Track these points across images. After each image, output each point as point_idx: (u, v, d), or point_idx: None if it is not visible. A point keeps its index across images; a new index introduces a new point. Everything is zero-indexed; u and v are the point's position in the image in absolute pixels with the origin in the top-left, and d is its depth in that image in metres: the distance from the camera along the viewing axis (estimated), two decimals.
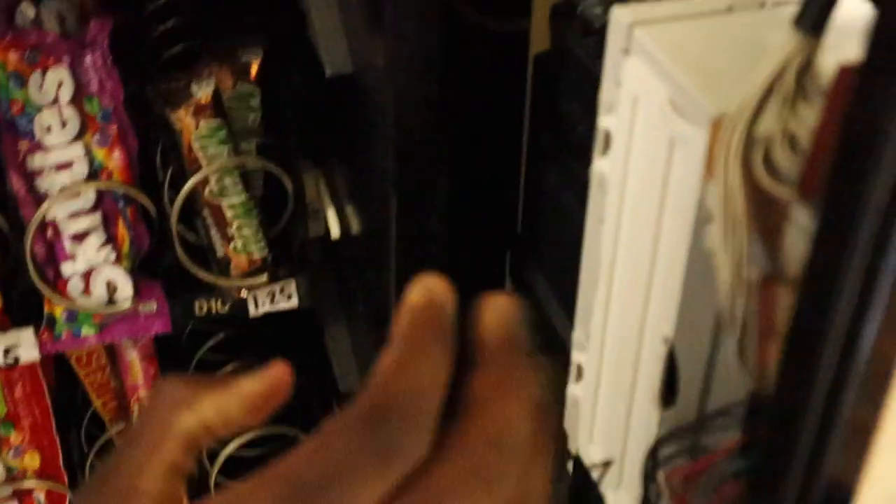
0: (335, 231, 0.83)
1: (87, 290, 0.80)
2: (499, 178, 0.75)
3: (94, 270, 0.80)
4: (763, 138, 0.29)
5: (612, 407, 0.48)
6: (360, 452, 0.29)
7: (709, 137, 0.34)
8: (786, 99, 0.29)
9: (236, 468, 1.02)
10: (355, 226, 0.83)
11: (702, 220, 0.36)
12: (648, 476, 0.38)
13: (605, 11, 0.57)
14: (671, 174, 0.38)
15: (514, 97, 0.69)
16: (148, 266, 0.83)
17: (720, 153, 0.30)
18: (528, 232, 0.76)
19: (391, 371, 0.31)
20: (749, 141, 0.30)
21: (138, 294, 0.82)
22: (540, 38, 0.65)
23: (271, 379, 0.35)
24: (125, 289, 0.81)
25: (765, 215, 0.31)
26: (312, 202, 0.86)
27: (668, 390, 0.43)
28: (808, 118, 0.28)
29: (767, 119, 0.29)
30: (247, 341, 1.06)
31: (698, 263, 0.37)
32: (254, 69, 0.82)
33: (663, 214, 0.39)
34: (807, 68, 0.29)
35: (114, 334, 0.84)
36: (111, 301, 0.81)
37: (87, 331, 0.83)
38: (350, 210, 0.83)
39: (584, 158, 0.63)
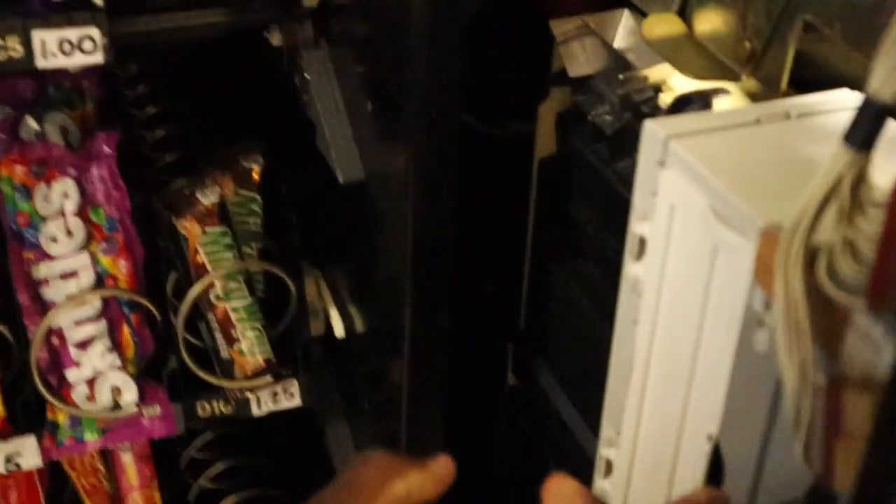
0: (339, 331, 0.83)
1: (91, 397, 0.80)
2: (504, 275, 0.77)
3: (99, 376, 0.80)
4: (825, 249, 0.31)
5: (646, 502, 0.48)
6: None
7: (757, 246, 0.36)
8: (842, 211, 0.30)
9: None
10: (359, 325, 0.83)
11: (748, 324, 0.38)
12: None
13: (618, 119, 0.59)
14: (713, 279, 0.40)
15: (519, 199, 0.71)
16: (151, 370, 0.83)
17: (780, 262, 0.32)
18: (532, 327, 0.77)
19: None
20: (808, 251, 0.31)
21: (143, 398, 0.81)
22: (544, 143, 0.67)
23: (448, 464, 0.46)
24: (130, 394, 0.81)
25: (825, 321, 0.32)
26: (313, 302, 0.86)
27: (714, 484, 0.44)
28: (866, 229, 0.30)
29: (823, 230, 0.31)
30: (241, 439, 1.05)
31: (745, 365, 0.38)
32: (255, 175, 0.83)
33: (705, 317, 0.41)
34: (860, 181, 0.30)
35: (117, 438, 0.84)
36: (116, 406, 0.81)
37: (90, 436, 0.82)
38: (353, 310, 0.84)
39: (592, 257, 0.65)
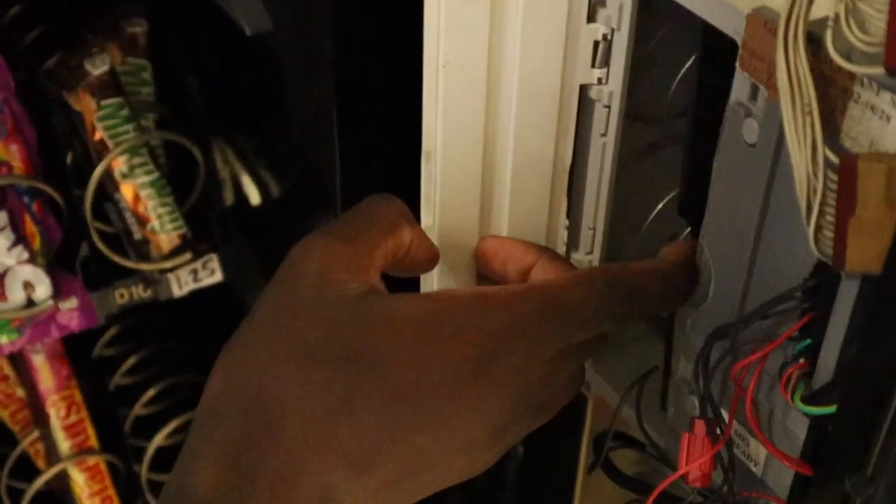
0: (255, 198, 0.81)
1: (2, 296, 0.76)
2: None
3: (8, 272, 0.76)
4: (829, 22, 0.30)
5: None
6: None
7: (743, 34, 0.35)
8: None
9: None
10: (276, 189, 0.81)
11: (734, 116, 0.37)
12: (705, 375, 0.39)
13: None
14: None
15: None
16: (62, 260, 0.79)
17: (780, 42, 0.31)
18: None
19: None
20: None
21: (58, 291, 0.78)
22: None
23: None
24: (43, 287, 0.77)
25: (825, 98, 0.32)
26: (222, 171, 0.83)
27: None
28: None
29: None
30: (152, 327, 1.02)
31: (732, 159, 0.38)
32: (142, 39, 0.79)
33: None
34: None
35: (36, 337, 0.80)
36: (30, 303, 0.77)
37: (7, 337, 0.79)
38: (267, 175, 0.81)
39: None
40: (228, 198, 0.84)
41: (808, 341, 0.37)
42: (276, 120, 0.76)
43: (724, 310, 0.41)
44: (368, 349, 0.37)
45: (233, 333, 0.39)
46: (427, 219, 0.47)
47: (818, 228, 0.33)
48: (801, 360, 0.37)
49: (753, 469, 0.42)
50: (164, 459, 0.98)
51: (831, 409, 0.36)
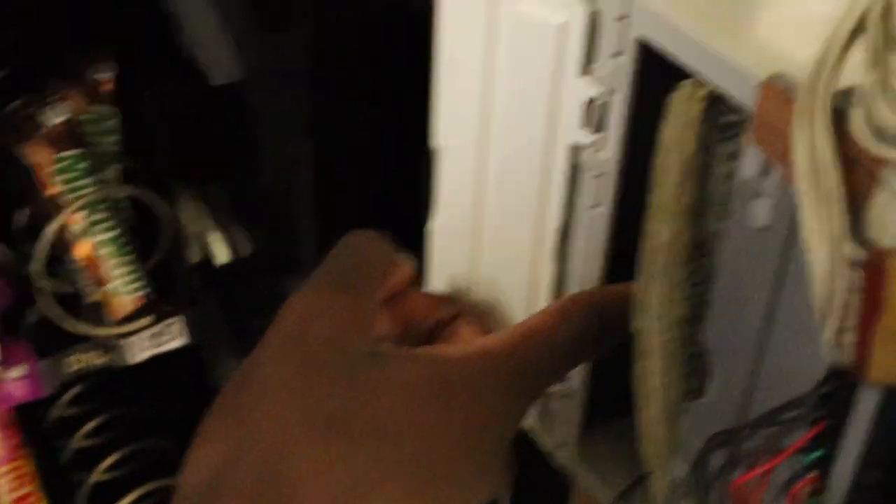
0: (222, 256, 0.77)
1: None
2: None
3: None
4: (857, 97, 0.27)
5: None
6: None
7: (756, 103, 0.32)
8: (874, 50, 0.26)
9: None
10: (245, 248, 0.77)
11: (741, 197, 0.34)
12: (704, 486, 0.35)
13: None
14: None
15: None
16: (11, 325, 0.75)
17: (801, 118, 0.28)
18: None
19: None
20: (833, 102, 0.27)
21: (5, 359, 0.74)
22: None
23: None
24: None
25: (850, 184, 0.28)
26: (188, 227, 0.80)
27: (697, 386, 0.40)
28: None
29: (849, 78, 0.27)
30: (116, 388, 0.98)
31: (738, 245, 0.35)
32: (108, 86, 0.75)
33: None
34: (890, 12, 0.27)
35: None
36: None
37: None
38: (236, 231, 0.78)
39: None
40: (195, 255, 0.80)
41: (820, 452, 0.33)
42: (247, 173, 0.73)
43: (724, 409, 0.37)
44: (389, 418, 0.35)
45: (221, 397, 0.37)
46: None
47: (838, 332, 0.29)
48: (812, 474, 0.34)
49: None
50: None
51: None
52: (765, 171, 0.33)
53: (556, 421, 0.50)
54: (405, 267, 0.43)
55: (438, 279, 0.51)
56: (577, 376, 0.48)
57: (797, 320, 0.33)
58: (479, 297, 0.50)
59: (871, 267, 0.27)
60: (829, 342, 0.29)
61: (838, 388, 0.32)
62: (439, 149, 0.48)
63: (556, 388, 0.49)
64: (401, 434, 0.35)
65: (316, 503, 0.33)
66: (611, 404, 0.50)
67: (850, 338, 0.29)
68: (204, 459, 0.35)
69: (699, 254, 0.40)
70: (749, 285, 0.34)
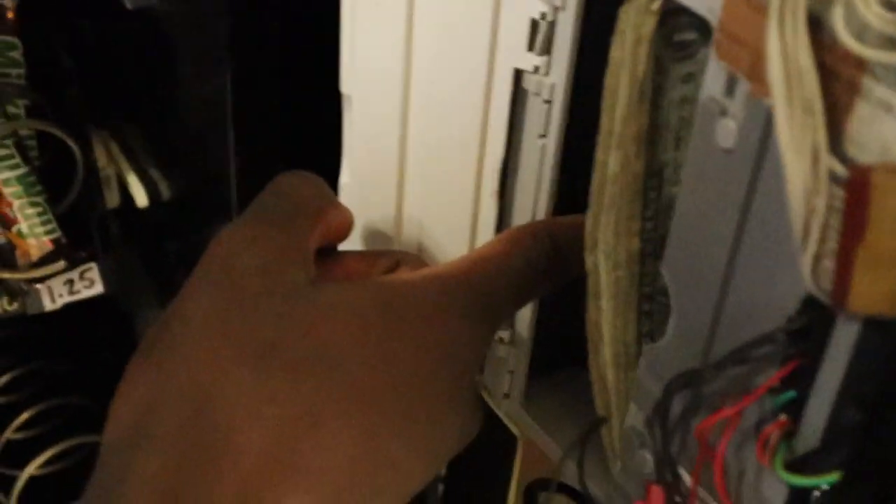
0: (141, 199, 0.73)
1: None
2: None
3: None
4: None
5: None
6: None
7: (720, 14, 0.29)
8: None
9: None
10: (166, 191, 0.73)
11: (706, 116, 0.31)
12: (664, 432, 0.33)
13: None
14: None
15: None
16: None
17: (774, 24, 0.25)
18: None
19: None
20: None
21: None
22: None
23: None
24: None
25: (830, 94, 0.26)
26: (104, 168, 0.75)
27: (653, 328, 0.38)
28: None
29: None
30: (28, 341, 0.94)
31: (703, 168, 0.32)
32: (10, 13, 0.70)
33: None
34: None
35: None
36: None
37: None
38: (156, 174, 0.74)
39: None
40: (112, 199, 0.76)
41: (792, 394, 0.31)
42: (165, 110, 0.69)
43: (687, 350, 0.35)
44: (333, 345, 0.32)
45: (144, 341, 0.33)
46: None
47: (816, 258, 0.27)
48: (782, 417, 0.31)
49: None
50: (38, 491, 0.90)
51: (821, 479, 0.30)
52: (730, 88, 0.30)
53: (500, 370, 0.47)
54: (343, 211, 0.40)
55: (359, 234, 0.48)
56: (523, 323, 0.45)
57: (765, 252, 0.31)
58: (412, 245, 0.47)
59: (854, 184, 0.25)
60: (807, 269, 0.27)
61: (813, 321, 0.30)
62: (349, 94, 0.45)
63: (501, 334, 0.46)
64: (347, 364, 0.32)
65: (252, 442, 0.30)
66: (558, 353, 0.48)
67: (829, 264, 0.27)
68: (125, 407, 0.32)
69: (653, 185, 0.38)
70: (713, 214, 0.32)
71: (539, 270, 0.39)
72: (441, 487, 0.71)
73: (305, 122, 0.63)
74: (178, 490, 0.30)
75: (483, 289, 0.37)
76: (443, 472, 0.70)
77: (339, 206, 0.39)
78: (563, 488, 0.46)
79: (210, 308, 0.33)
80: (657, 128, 0.36)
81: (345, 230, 0.40)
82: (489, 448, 0.58)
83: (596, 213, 0.38)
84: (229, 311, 0.33)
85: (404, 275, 0.37)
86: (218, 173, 0.63)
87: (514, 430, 0.51)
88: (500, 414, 0.51)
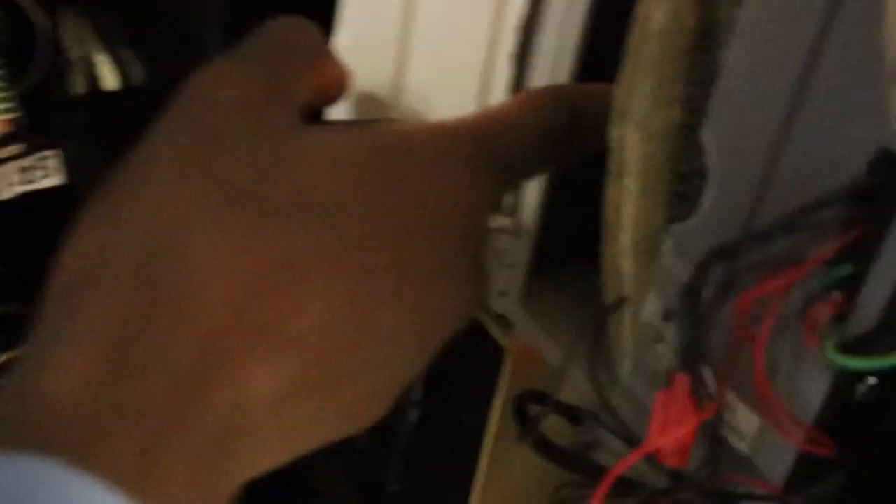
0: (111, 81, 0.69)
1: None
2: None
3: None
4: None
5: None
6: None
7: None
8: None
9: None
10: (138, 75, 0.69)
11: None
12: (696, 312, 0.30)
13: None
14: None
15: None
16: None
17: None
18: None
19: None
20: None
21: None
22: None
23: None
24: None
25: None
26: (72, 49, 0.71)
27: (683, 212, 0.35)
28: None
29: None
30: None
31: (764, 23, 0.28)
32: None
33: None
34: None
35: None
36: None
37: None
38: (128, 57, 0.70)
39: None
40: (79, 84, 0.72)
41: (849, 268, 0.28)
42: None
43: (725, 226, 0.31)
44: (319, 192, 0.28)
45: (106, 180, 0.29)
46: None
47: None
48: (835, 295, 0.28)
49: (738, 445, 0.33)
50: None
51: (881, 362, 0.27)
52: None
53: (498, 264, 0.44)
54: (339, 64, 0.35)
55: (354, 103, 0.44)
56: (528, 210, 0.42)
57: (834, 100, 0.27)
58: (413, 118, 0.43)
59: None
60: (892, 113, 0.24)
61: (884, 182, 0.26)
62: None
63: (502, 222, 0.42)
64: (334, 214, 0.28)
65: (216, 297, 0.26)
66: (563, 247, 0.44)
67: None
68: (72, 255, 0.28)
69: (703, 45, 0.34)
70: (774, 57, 0.28)
71: (555, 137, 0.35)
72: (416, 413, 0.68)
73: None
74: (123, 344, 0.25)
75: (494, 148, 0.33)
76: (419, 394, 0.67)
77: (335, 58, 0.35)
78: (558, 407, 0.43)
79: (179, 147, 0.29)
80: None
81: (340, 86, 0.36)
82: (470, 360, 0.54)
83: (630, 77, 0.34)
84: (201, 150, 0.29)
85: (409, 124, 0.33)
86: (197, 56, 0.59)
87: (501, 338, 0.48)
88: (486, 319, 0.48)
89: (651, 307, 0.36)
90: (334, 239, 0.28)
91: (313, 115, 0.37)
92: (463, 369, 0.59)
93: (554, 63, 0.37)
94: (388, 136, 0.31)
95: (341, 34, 0.43)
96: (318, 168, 0.29)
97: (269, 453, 0.29)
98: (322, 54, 0.34)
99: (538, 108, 0.35)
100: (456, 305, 0.33)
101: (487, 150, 0.33)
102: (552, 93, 0.36)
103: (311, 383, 0.28)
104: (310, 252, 0.28)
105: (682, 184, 0.36)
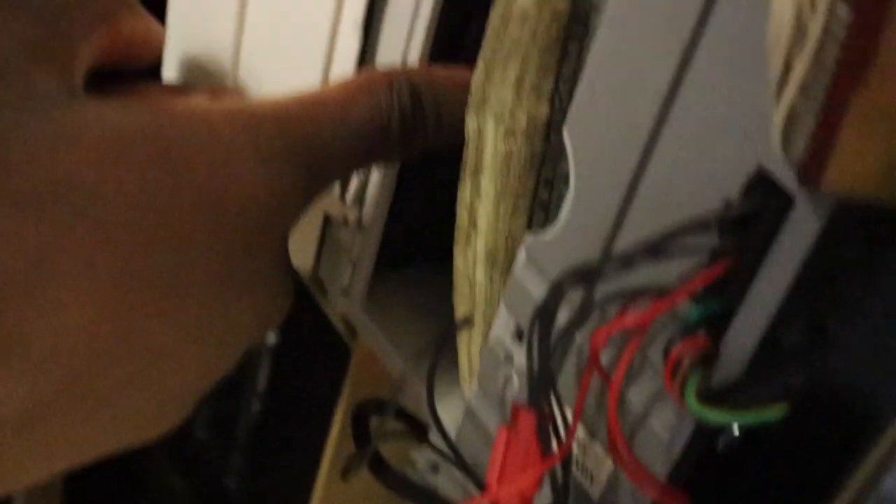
0: None
1: None
2: None
3: None
4: None
5: None
6: None
7: None
8: None
9: None
10: None
11: None
12: (546, 341, 0.26)
13: None
14: None
15: None
16: None
17: None
18: None
19: None
20: None
21: None
22: None
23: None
24: None
25: None
26: None
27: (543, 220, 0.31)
28: None
29: None
30: None
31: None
32: None
33: None
34: None
35: None
36: None
37: None
38: None
39: None
40: None
41: (717, 305, 0.24)
42: None
43: (583, 241, 0.28)
44: (79, 180, 0.25)
45: None
46: None
47: (792, 111, 0.20)
48: (701, 334, 0.25)
49: (587, 488, 0.30)
50: None
51: (747, 416, 0.24)
52: None
53: (340, 260, 0.40)
54: (145, 21, 0.31)
55: (181, 66, 0.39)
56: (373, 202, 0.38)
57: (708, 110, 0.24)
58: (249, 87, 0.38)
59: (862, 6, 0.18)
60: (778, 127, 0.20)
61: (760, 208, 0.23)
62: None
63: (347, 213, 0.38)
64: (95, 207, 0.24)
65: None
66: (413, 244, 0.40)
67: (808, 121, 0.20)
68: None
69: (577, 33, 0.30)
70: (638, 55, 0.25)
71: (389, 130, 0.31)
72: (258, 405, 0.64)
73: None
74: None
75: (304, 137, 0.29)
76: (263, 386, 0.63)
77: (140, 12, 0.31)
78: (400, 414, 0.39)
79: None
80: None
81: (146, 47, 0.31)
82: (316, 358, 0.50)
83: (489, 61, 0.30)
84: None
85: (202, 104, 0.29)
86: None
87: (348, 338, 0.44)
88: (332, 318, 0.44)
89: (501, 322, 0.32)
90: (95, 239, 0.24)
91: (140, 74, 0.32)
92: (309, 364, 0.55)
93: (406, 35, 0.33)
94: (169, 117, 0.27)
95: None
96: (82, 152, 0.24)
97: (24, 471, 0.26)
98: (123, 9, 0.30)
99: (369, 96, 0.31)
100: (252, 315, 0.29)
101: (295, 141, 0.29)
102: (389, 78, 0.32)
103: (67, 400, 0.25)
104: (62, 253, 0.24)
105: (546, 189, 0.32)
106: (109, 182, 0.25)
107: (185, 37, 0.38)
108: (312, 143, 0.29)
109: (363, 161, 0.32)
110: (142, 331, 0.25)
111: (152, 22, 0.31)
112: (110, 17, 0.29)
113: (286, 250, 0.30)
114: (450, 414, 0.35)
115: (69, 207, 0.24)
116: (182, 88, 0.32)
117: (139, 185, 0.25)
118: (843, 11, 0.18)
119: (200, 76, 0.39)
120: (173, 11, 0.39)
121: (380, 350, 0.39)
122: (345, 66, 0.34)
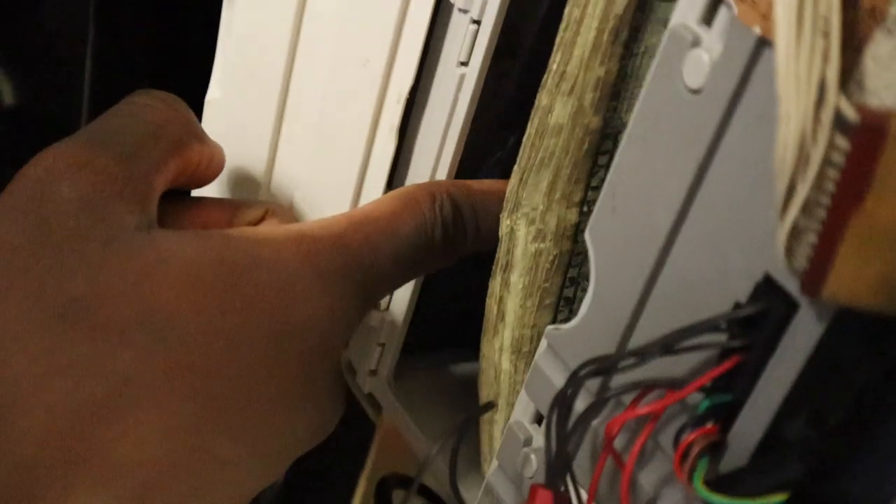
0: None
1: None
2: None
3: None
4: None
5: None
6: None
7: None
8: None
9: None
10: (9, 95, 0.66)
11: (671, 52, 0.27)
12: (563, 427, 0.28)
13: None
14: None
15: None
16: None
17: None
18: None
19: None
20: None
21: None
22: None
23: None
24: None
25: (846, 27, 0.21)
26: None
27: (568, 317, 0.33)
28: None
29: None
30: None
31: (660, 111, 0.27)
32: None
33: None
34: None
35: None
36: None
37: None
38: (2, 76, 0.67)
39: None
40: None
41: (727, 397, 0.27)
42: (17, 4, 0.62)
43: (601, 334, 0.30)
44: (158, 310, 0.27)
45: None
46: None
47: (795, 227, 0.22)
48: (710, 424, 0.27)
49: None
50: None
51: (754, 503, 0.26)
52: (708, 14, 0.26)
53: (369, 342, 0.42)
54: (211, 148, 0.33)
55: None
56: (403, 288, 0.40)
57: (720, 219, 0.26)
58: (286, 187, 0.41)
59: (865, 131, 0.21)
60: (781, 241, 0.23)
61: (766, 310, 0.25)
62: None
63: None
64: (173, 335, 0.27)
65: (36, 424, 0.25)
66: (440, 329, 0.42)
67: (811, 237, 0.22)
68: None
69: (606, 149, 0.33)
70: (661, 167, 0.27)
71: (433, 242, 0.34)
72: (280, 481, 0.66)
73: (181, 33, 0.56)
74: None
75: (359, 257, 0.32)
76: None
77: (205, 139, 0.33)
78: (422, 490, 0.41)
79: (7, 249, 0.27)
80: (623, 78, 0.32)
81: (211, 171, 0.34)
82: (340, 434, 0.52)
83: (524, 168, 0.33)
84: (31, 254, 0.27)
85: (265, 229, 0.31)
86: (69, 81, 0.56)
87: (372, 413, 0.46)
88: (359, 395, 0.46)
89: (522, 406, 0.34)
90: (170, 363, 0.26)
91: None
92: (334, 437, 0.57)
93: (440, 143, 0.36)
94: (238, 248, 0.29)
95: (213, 86, 0.41)
96: (162, 283, 0.27)
97: None
98: (191, 138, 0.32)
99: (415, 211, 0.33)
100: (309, 424, 0.32)
101: (350, 265, 0.31)
102: (432, 191, 0.34)
103: None
104: (142, 377, 0.26)
105: (572, 287, 0.34)
106: (186, 309, 0.27)
107: (224, 136, 0.40)
108: (366, 263, 0.31)
109: (410, 274, 0.34)
110: (210, 445, 0.27)
111: (216, 147, 0.34)
112: (182, 148, 0.31)
113: (340, 366, 0.32)
114: (469, 492, 0.37)
115: (150, 335, 0.26)
116: (237, 205, 0.34)
117: (212, 312, 0.27)
118: (842, 142, 0.21)
119: (238, 175, 0.41)
120: (210, 114, 0.41)
121: (404, 428, 0.41)
122: (380, 168, 0.37)
